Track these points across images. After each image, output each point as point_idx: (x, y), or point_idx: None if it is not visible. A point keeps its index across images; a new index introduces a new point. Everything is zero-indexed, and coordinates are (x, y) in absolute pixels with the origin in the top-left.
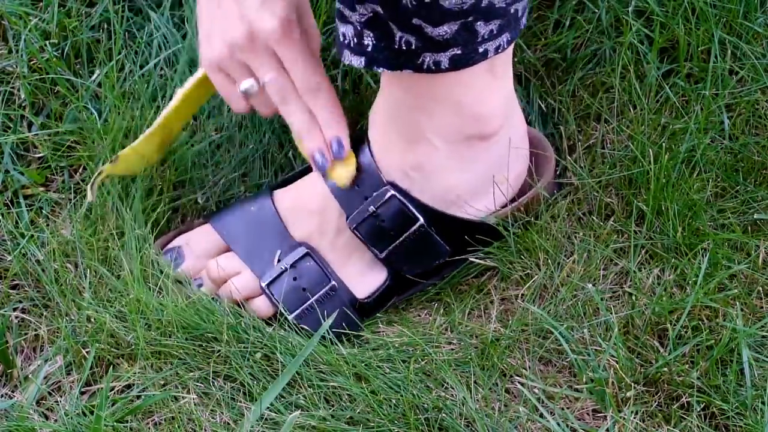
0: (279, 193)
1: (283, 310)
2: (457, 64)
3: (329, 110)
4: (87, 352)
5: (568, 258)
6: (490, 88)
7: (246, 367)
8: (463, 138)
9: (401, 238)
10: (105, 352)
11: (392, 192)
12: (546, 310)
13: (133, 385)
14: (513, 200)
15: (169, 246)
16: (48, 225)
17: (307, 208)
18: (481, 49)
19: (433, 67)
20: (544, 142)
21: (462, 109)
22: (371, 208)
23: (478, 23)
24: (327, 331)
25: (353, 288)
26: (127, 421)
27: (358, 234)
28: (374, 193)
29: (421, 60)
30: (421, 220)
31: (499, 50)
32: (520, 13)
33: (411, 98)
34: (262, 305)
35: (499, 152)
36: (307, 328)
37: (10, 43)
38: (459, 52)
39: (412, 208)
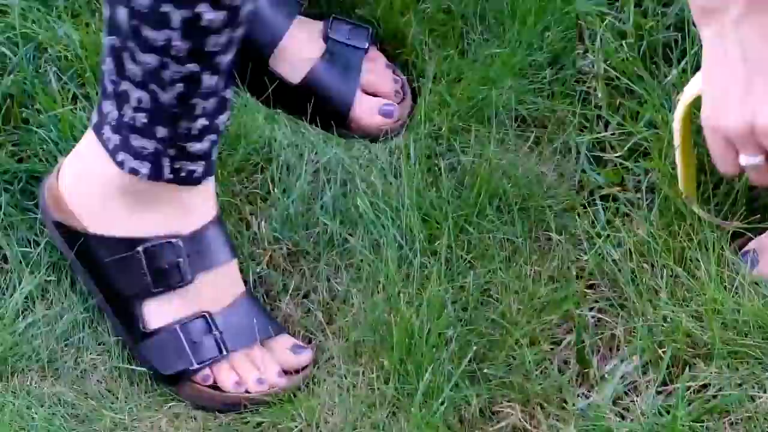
0: None
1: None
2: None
3: None
4: (663, 352)
5: None
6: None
7: None
8: None
9: None
10: (681, 352)
11: None
12: None
13: (709, 384)
14: None
15: (746, 248)
16: (624, 225)
17: None
18: None
19: None
20: None
21: None
22: None
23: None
24: None
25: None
26: (703, 421)
27: None
28: None
29: None
30: None
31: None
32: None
33: None
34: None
35: None
36: None
37: (587, 43)
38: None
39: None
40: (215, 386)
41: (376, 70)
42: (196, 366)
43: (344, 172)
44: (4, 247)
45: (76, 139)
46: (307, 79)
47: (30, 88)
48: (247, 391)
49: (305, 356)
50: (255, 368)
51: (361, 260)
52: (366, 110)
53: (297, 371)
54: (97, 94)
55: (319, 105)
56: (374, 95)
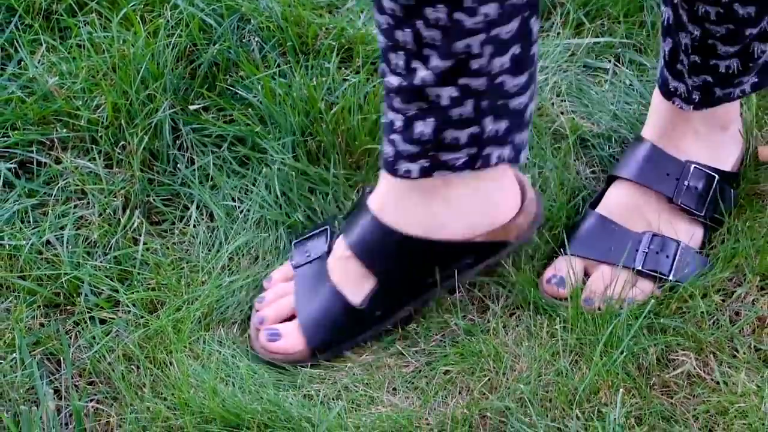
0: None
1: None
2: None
3: None
4: None
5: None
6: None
7: None
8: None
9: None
10: None
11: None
12: None
13: None
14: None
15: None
16: None
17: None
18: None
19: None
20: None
21: None
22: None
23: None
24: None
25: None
26: None
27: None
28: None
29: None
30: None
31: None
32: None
33: None
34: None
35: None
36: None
37: None
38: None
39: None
40: None
41: None
42: None
43: None
44: (211, 206)
45: (277, 104)
46: None
47: (234, 56)
48: None
49: None
50: None
51: None
52: None
53: None
54: (298, 62)
55: None
56: None
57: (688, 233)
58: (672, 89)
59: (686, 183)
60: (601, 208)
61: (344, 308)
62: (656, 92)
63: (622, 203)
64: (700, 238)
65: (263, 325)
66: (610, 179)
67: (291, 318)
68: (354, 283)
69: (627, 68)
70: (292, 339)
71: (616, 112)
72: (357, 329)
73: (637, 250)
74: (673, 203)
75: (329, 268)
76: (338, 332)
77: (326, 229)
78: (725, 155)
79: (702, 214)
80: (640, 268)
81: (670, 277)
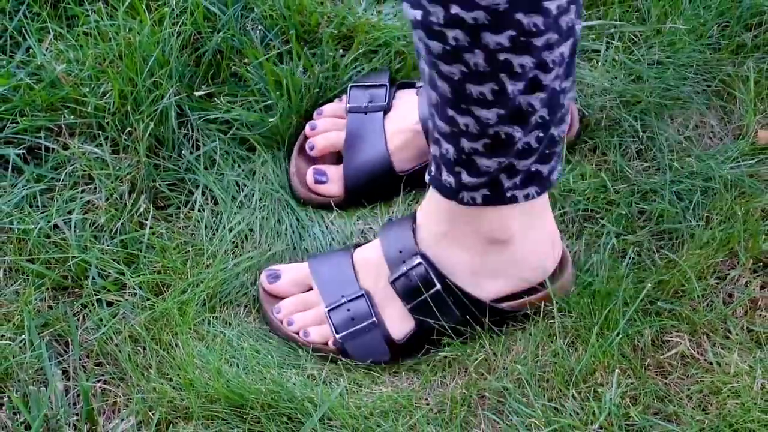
0: (359, 250)
1: (331, 329)
2: (487, 202)
3: None
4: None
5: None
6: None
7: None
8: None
9: (422, 297)
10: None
11: (420, 260)
12: None
13: None
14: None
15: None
16: None
17: (372, 263)
18: (509, 194)
19: (471, 202)
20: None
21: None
22: (403, 269)
23: (501, 176)
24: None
25: (391, 328)
26: None
27: (394, 287)
28: (409, 259)
29: (460, 196)
30: (438, 286)
31: (529, 198)
32: (546, 173)
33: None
34: (319, 331)
35: (513, 254)
36: (348, 351)
37: None
38: (488, 193)
39: (432, 275)
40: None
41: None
42: None
43: None
44: (214, 189)
45: (280, 90)
46: None
47: (238, 44)
48: None
49: None
50: None
51: None
52: None
53: None
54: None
55: None
56: None
57: None
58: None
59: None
60: None
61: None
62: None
63: None
64: None
65: (313, 151)
66: None
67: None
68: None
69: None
70: (335, 185)
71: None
72: (392, 190)
73: None
74: None
75: None
76: (377, 189)
77: (386, 85)
78: None
79: None
80: None
81: None
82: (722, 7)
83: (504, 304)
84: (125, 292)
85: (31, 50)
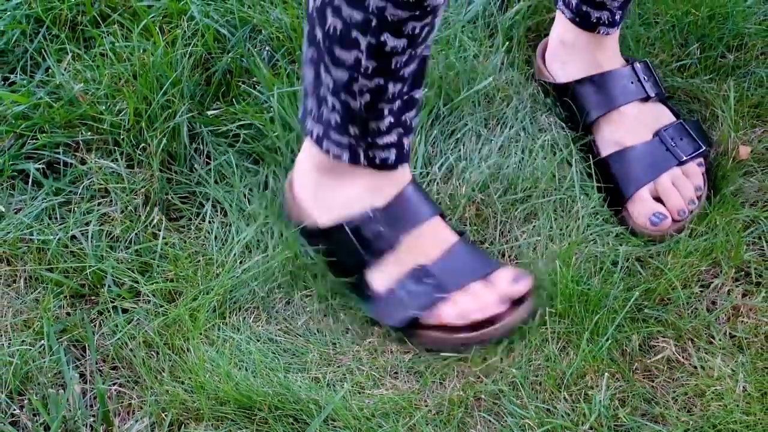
0: None
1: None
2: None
3: None
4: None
5: None
6: None
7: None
8: None
9: None
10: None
11: None
12: None
13: None
14: None
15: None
16: None
17: None
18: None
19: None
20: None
21: None
22: None
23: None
24: None
25: None
26: None
27: None
28: None
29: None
30: None
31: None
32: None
33: None
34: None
35: None
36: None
37: None
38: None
39: None
40: (447, 328)
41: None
42: (415, 313)
43: None
44: (223, 202)
45: (286, 109)
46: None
47: (246, 64)
48: (472, 325)
49: (523, 284)
50: (475, 300)
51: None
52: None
53: (520, 301)
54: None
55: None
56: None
57: (667, 112)
58: (595, 20)
59: (644, 79)
60: (609, 147)
61: None
62: (570, 37)
63: (622, 129)
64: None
65: None
66: (590, 126)
67: None
68: None
69: None
70: None
71: None
72: None
73: (667, 149)
74: (647, 101)
75: None
76: None
77: None
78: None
79: (664, 93)
80: (684, 157)
81: (703, 147)
82: (704, 30)
83: None
84: (139, 300)
85: (50, 70)
